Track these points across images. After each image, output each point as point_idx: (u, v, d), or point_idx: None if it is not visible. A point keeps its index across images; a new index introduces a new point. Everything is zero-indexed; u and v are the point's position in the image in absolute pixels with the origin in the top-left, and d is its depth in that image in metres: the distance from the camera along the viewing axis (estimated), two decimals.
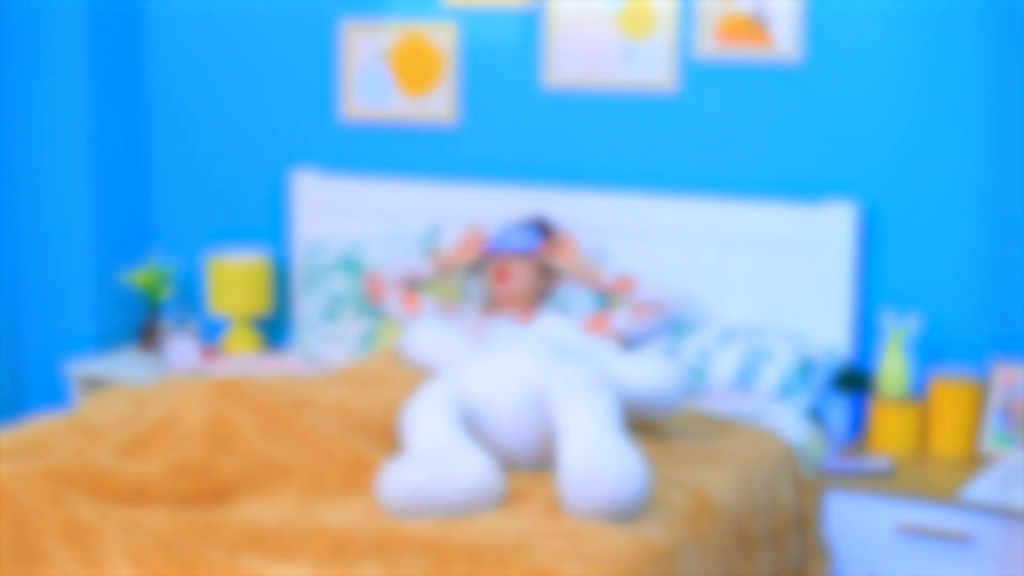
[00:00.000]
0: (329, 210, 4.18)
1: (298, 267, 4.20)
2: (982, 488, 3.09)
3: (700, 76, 3.78)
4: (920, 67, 3.53)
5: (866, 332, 3.63)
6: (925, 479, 3.20)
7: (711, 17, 3.71)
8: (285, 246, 4.35)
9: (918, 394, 3.47)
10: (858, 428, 3.64)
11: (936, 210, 3.55)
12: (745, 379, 3.45)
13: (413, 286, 3.84)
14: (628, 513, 2.50)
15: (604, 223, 3.82)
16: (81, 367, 4.18)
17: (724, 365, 3.48)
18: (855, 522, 3.16)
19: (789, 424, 3.33)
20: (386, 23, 4.13)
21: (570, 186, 3.91)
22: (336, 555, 2.28)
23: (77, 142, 4.33)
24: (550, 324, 3.19)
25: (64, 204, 4.37)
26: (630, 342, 3.57)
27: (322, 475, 2.65)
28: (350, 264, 3.97)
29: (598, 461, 2.48)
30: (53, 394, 4.43)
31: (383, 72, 4.15)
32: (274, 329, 4.37)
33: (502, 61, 4.02)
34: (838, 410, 3.62)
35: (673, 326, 3.63)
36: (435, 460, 2.53)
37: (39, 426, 2.97)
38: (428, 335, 3.31)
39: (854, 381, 3.56)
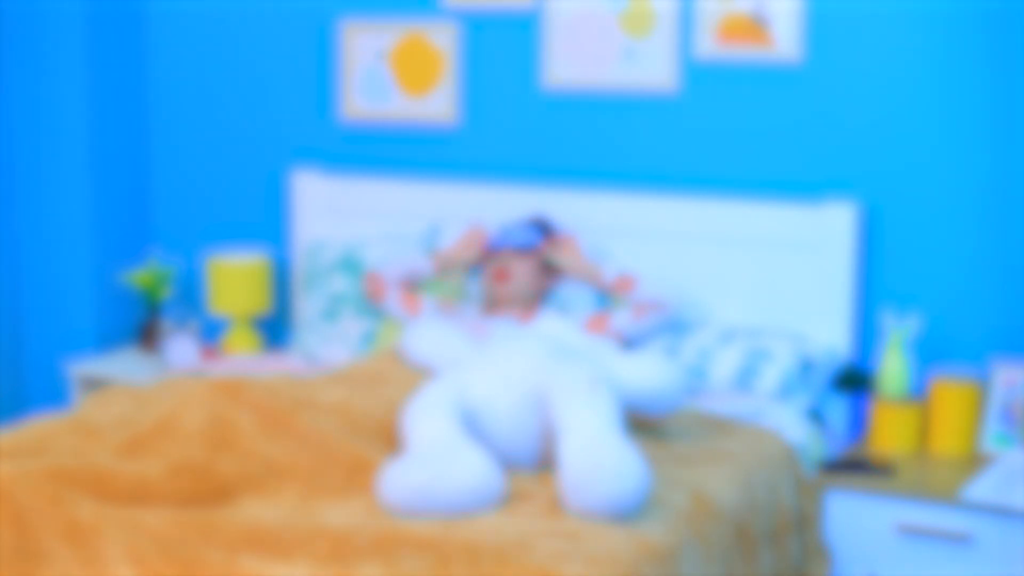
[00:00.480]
0: (329, 210, 4.18)
1: (298, 267, 4.20)
2: (982, 488, 3.09)
3: (700, 76, 3.78)
4: (920, 67, 3.53)
5: (866, 332, 3.63)
6: (925, 479, 3.19)
7: (711, 17, 3.71)
8: (285, 246, 4.35)
9: (918, 394, 3.47)
10: (858, 428, 3.64)
11: (936, 210, 3.55)
12: (745, 379, 3.45)
13: (413, 286, 3.84)
14: (628, 513, 2.50)
15: (604, 223, 3.82)
16: (81, 367, 4.18)
17: (724, 365, 3.48)
18: (855, 522, 3.16)
19: (789, 424, 3.32)
20: (386, 23, 4.13)
21: (570, 186, 3.91)
22: (336, 555, 2.28)
23: (77, 142, 4.33)
24: (550, 324, 3.19)
25: (64, 204, 4.37)
26: (630, 342, 3.57)
27: (322, 475, 2.65)
28: (350, 264, 3.97)
29: (598, 461, 2.48)
30: (53, 394, 4.43)
31: (383, 72, 4.16)
32: (274, 329, 4.37)
33: (502, 61, 4.02)
34: (838, 410, 3.62)
35: (673, 326, 3.63)
36: (435, 460, 2.53)
37: (39, 426, 2.97)
38: (428, 335, 3.31)
39: (854, 381, 3.56)
